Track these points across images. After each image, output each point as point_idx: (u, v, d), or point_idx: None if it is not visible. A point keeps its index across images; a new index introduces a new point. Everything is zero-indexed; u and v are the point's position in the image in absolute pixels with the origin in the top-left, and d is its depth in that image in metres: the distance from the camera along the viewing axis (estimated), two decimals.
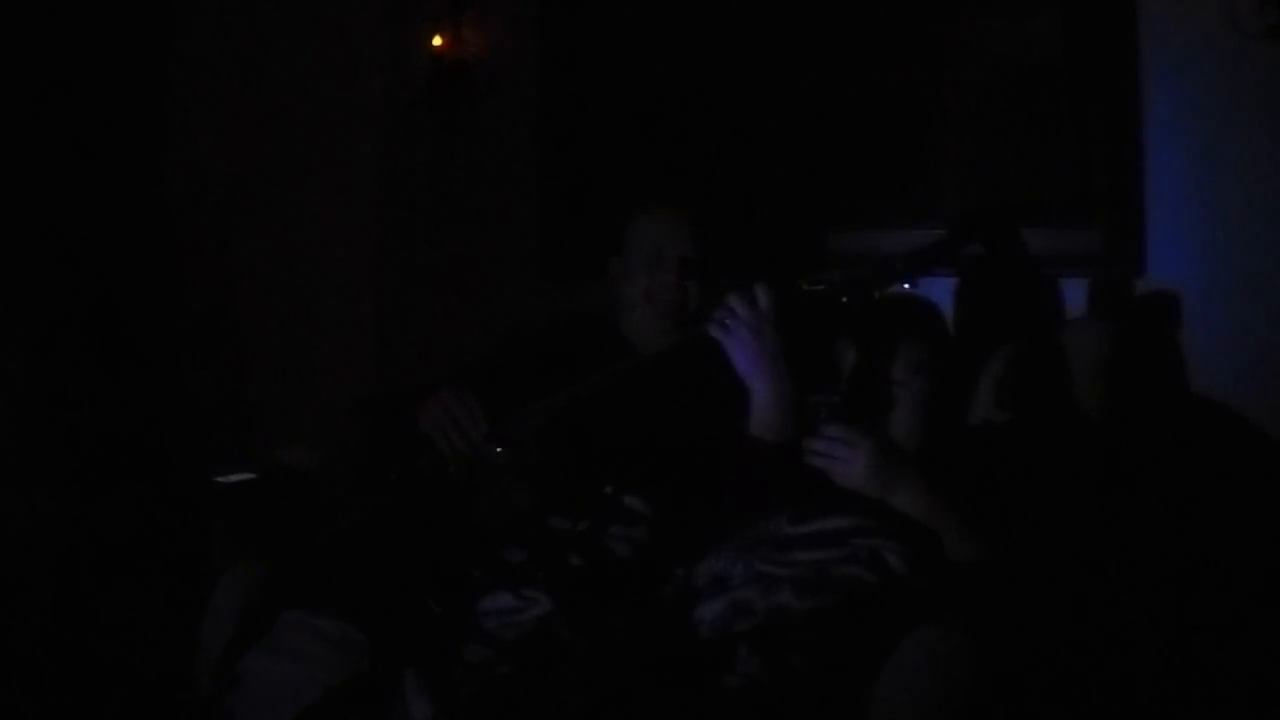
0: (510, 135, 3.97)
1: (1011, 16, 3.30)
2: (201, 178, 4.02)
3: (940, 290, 2.93)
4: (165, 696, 2.51)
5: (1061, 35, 3.22)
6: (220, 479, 2.81)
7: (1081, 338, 2.75)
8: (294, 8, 4.17)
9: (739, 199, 3.45)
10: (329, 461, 2.67)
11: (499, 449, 2.17)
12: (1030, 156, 3.28)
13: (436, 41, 3.98)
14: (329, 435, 2.72)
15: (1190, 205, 3.04)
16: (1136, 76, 3.09)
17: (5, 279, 3.49)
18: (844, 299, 2.32)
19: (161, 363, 3.85)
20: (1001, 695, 1.92)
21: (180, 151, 3.98)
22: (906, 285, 2.40)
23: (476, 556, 2.20)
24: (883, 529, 2.16)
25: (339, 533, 2.15)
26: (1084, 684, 2.11)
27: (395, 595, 2.14)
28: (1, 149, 3.49)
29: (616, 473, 2.29)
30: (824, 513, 2.20)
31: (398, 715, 1.97)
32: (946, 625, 1.94)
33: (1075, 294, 2.99)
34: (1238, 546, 2.52)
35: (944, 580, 2.11)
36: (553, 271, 3.85)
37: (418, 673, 1.99)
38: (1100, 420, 2.59)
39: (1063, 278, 2.99)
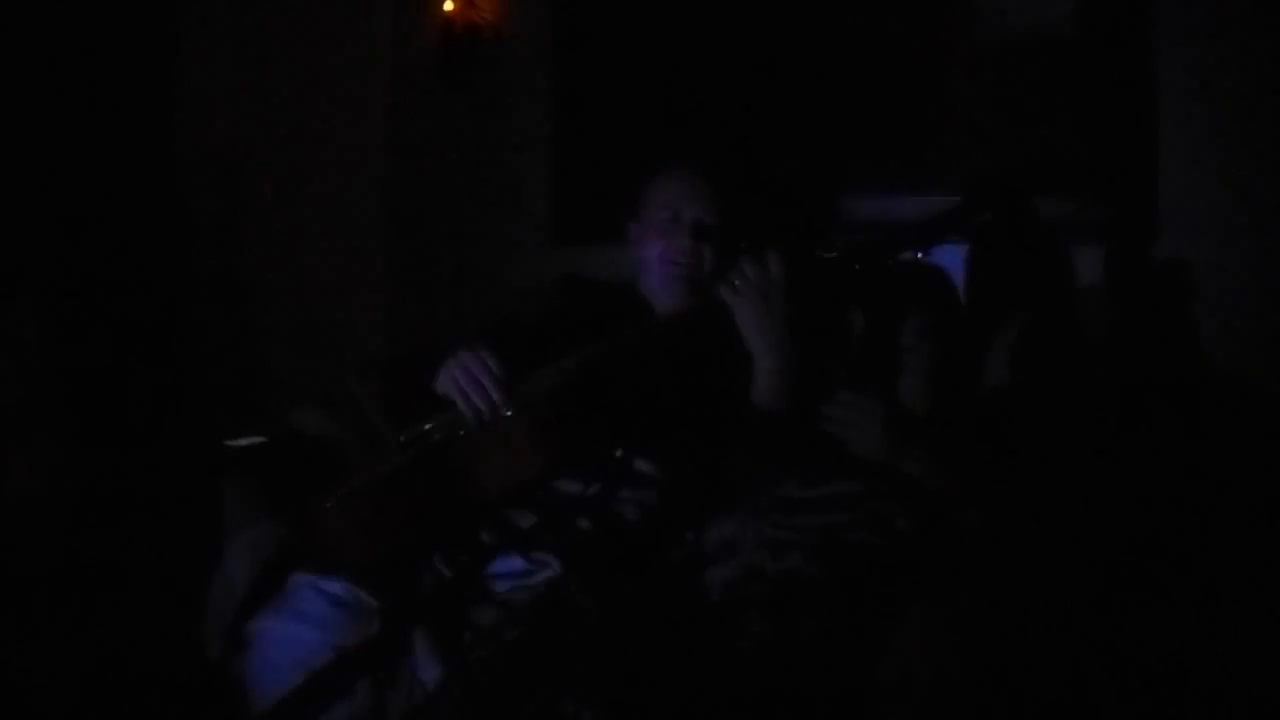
0: (521, 101, 3.96)
1: None
2: (212, 143, 4.01)
3: (951, 257, 2.93)
4: (175, 659, 2.52)
5: (1076, 3, 3.21)
6: (231, 442, 2.81)
7: (1095, 305, 2.75)
8: None
9: (755, 164, 3.44)
10: (340, 424, 2.66)
11: (510, 411, 2.16)
12: (1044, 124, 3.27)
13: (448, 6, 3.97)
14: (340, 398, 2.71)
15: (1203, 173, 3.03)
16: (1151, 45, 3.08)
17: (15, 244, 3.48)
18: (856, 266, 2.31)
19: (172, 326, 3.85)
20: (1010, 660, 1.92)
21: (191, 117, 3.97)
22: (919, 255, 2.39)
23: (486, 520, 2.20)
24: (892, 494, 2.16)
25: (348, 495, 2.14)
26: (1092, 649, 2.11)
27: (405, 558, 2.14)
28: (12, 117, 3.48)
29: (627, 436, 2.29)
30: (833, 477, 2.20)
31: (408, 678, 1.98)
32: (955, 590, 1.94)
33: (1090, 262, 2.99)
34: (1250, 514, 2.52)
35: (952, 545, 2.12)
36: (564, 236, 3.85)
37: (428, 636, 2.00)
38: (1111, 388, 2.58)
39: (1077, 246, 2.98)
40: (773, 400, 2.27)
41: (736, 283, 2.27)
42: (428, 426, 2.22)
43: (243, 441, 2.79)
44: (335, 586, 2.06)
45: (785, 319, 2.27)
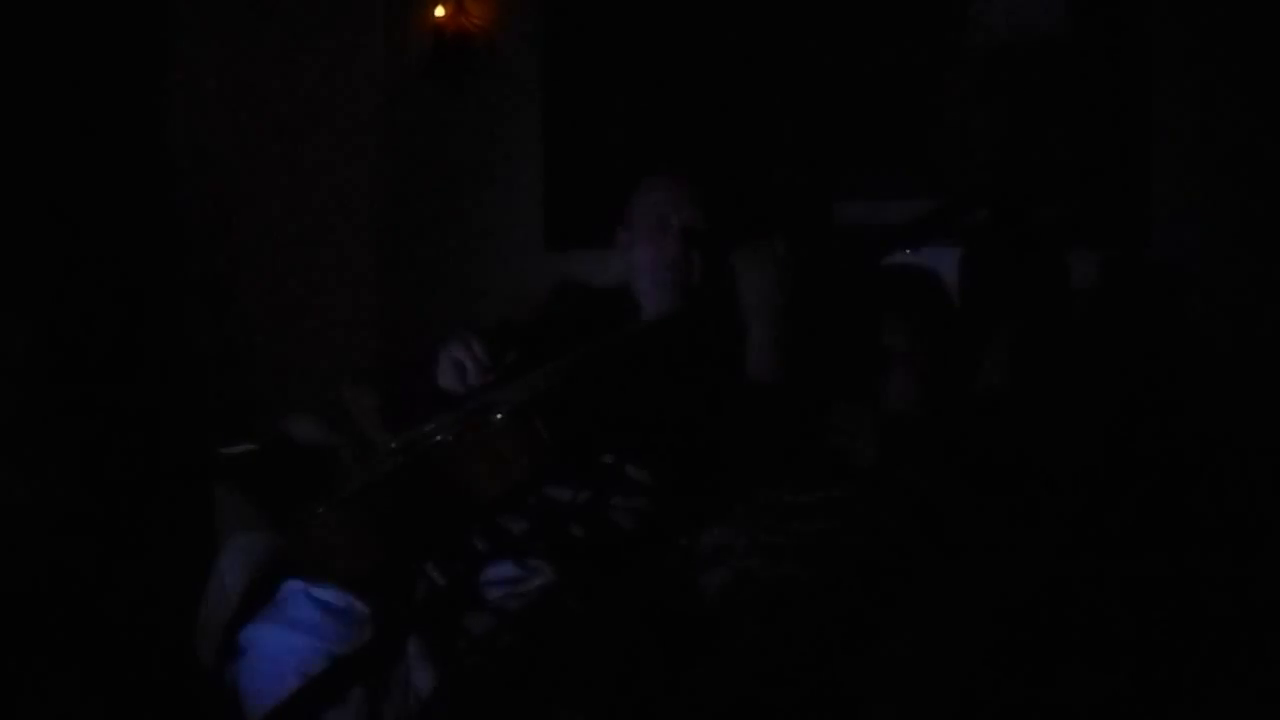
0: (513, 106, 3.97)
1: None
2: (204, 149, 4.00)
3: (944, 260, 2.93)
4: (169, 668, 2.51)
5: (1069, 8, 3.22)
6: (223, 450, 2.80)
7: (1088, 309, 2.75)
8: None
9: (744, 170, 3.45)
10: (332, 431, 2.66)
11: (499, 414, 2.15)
12: (1037, 129, 3.28)
13: (439, 12, 3.98)
14: (332, 405, 2.71)
15: (1197, 177, 3.04)
16: (1144, 49, 3.09)
17: (6, 254, 3.48)
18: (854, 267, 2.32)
19: (164, 334, 3.85)
20: (1004, 661, 1.92)
21: (183, 123, 3.97)
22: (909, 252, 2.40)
23: (479, 527, 2.20)
24: (886, 498, 2.16)
25: (340, 501, 2.14)
26: (1084, 651, 2.11)
27: (398, 564, 2.14)
28: (3, 120, 3.47)
29: (618, 440, 2.29)
30: (827, 482, 2.20)
31: (401, 685, 1.97)
32: (949, 593, 1.94)
33: (1083, 266, 2.99)
34: (1240, 517, 2.52)
35: (947, 549, 2.12)
36: (556, 241, 3.86)
37: (421, 643, 1.99)
38: (1104, 390, 2.59)
39: (1070, 249, 2.99)
40: (765, 374, 2.28)
41: (751, 252, 2.29)
42: (419, 432, 2.22)
43: (235, 449, 2.78)
44: (328, 593, 2.05)
45: (790, 297, 2.28)
